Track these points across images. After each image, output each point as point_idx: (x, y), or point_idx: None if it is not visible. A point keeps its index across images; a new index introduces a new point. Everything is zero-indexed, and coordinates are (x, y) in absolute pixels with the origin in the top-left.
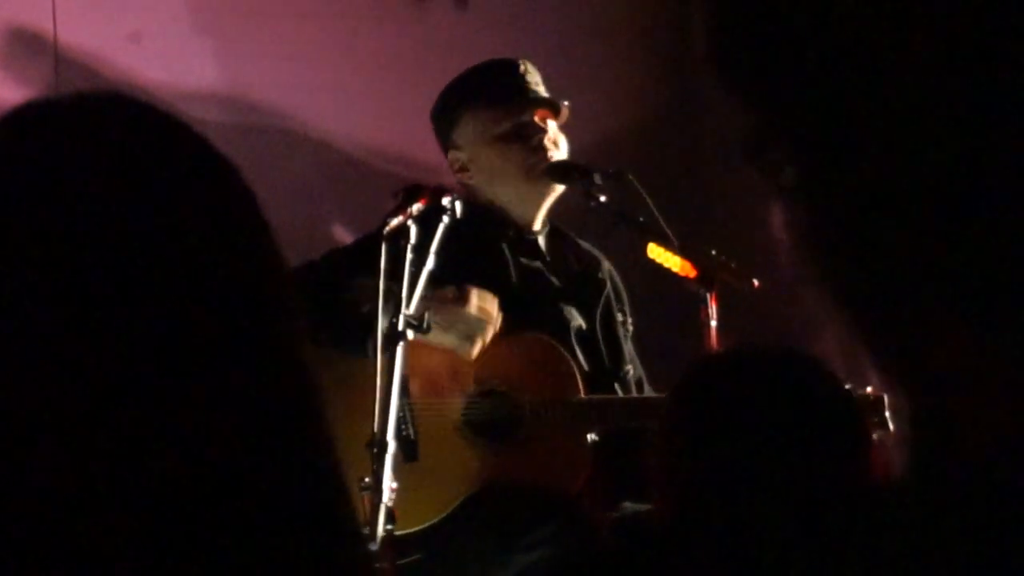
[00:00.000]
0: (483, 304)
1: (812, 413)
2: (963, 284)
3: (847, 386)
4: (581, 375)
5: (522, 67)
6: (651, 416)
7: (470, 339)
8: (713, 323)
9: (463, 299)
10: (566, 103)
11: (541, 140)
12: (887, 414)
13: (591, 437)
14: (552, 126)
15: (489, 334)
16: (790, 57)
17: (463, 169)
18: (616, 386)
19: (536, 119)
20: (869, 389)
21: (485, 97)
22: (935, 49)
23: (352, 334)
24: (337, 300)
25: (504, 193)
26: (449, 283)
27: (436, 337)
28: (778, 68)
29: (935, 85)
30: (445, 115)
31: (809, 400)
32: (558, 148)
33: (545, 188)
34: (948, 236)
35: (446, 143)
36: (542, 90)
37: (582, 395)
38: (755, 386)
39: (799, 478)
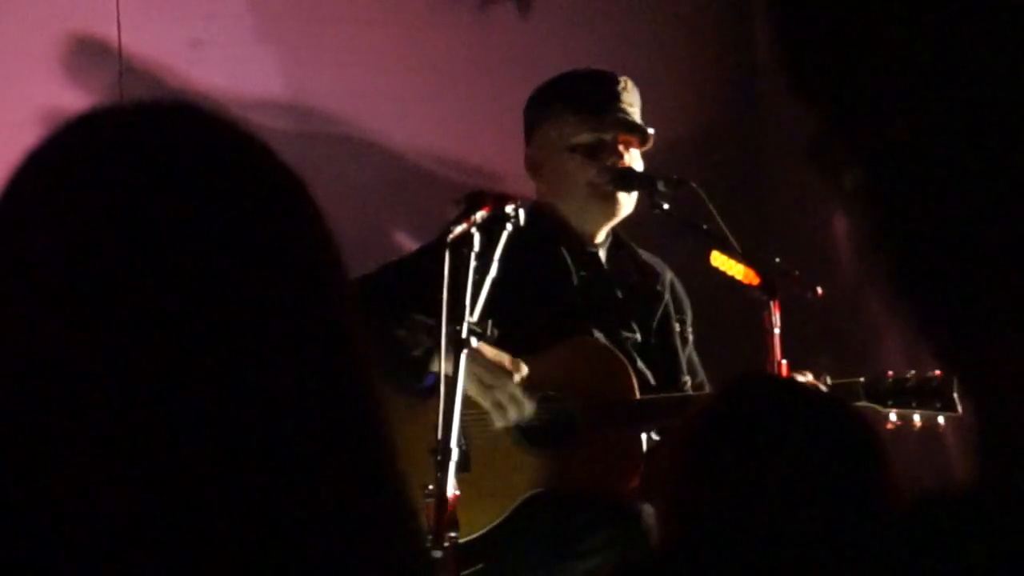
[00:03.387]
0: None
1: (830, 449)
2: None
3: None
4: (636, 377)
5: (621, 84)
6: None
7: (502, 410)
8: (776, 331)
9: (514, 371)
10: (652, 131)
11: (615, 163)
12: (955, 395)
13: (648, 436)
14: (633, 154)
15: (517, 415)
16: (854, 59)
17: (535, 168)
18: None
19: (618, 142)
20: (937, 372)
21: (574, 103)
22: (999, 51)
23: (403, 376)
24: (389, 341)
25: (567, 203)
26: (511, 291)
27: (476, 394)
28: (842, 70)
29: (1001, 87)
30: (533, 111)
31: (827, 436)
32: None
33: (607, 209)
34: (1018, 239)
35: (528, 138)
36: (634, 112)
37: (636, 395)
38: (773, 419)
39: (808, 511)
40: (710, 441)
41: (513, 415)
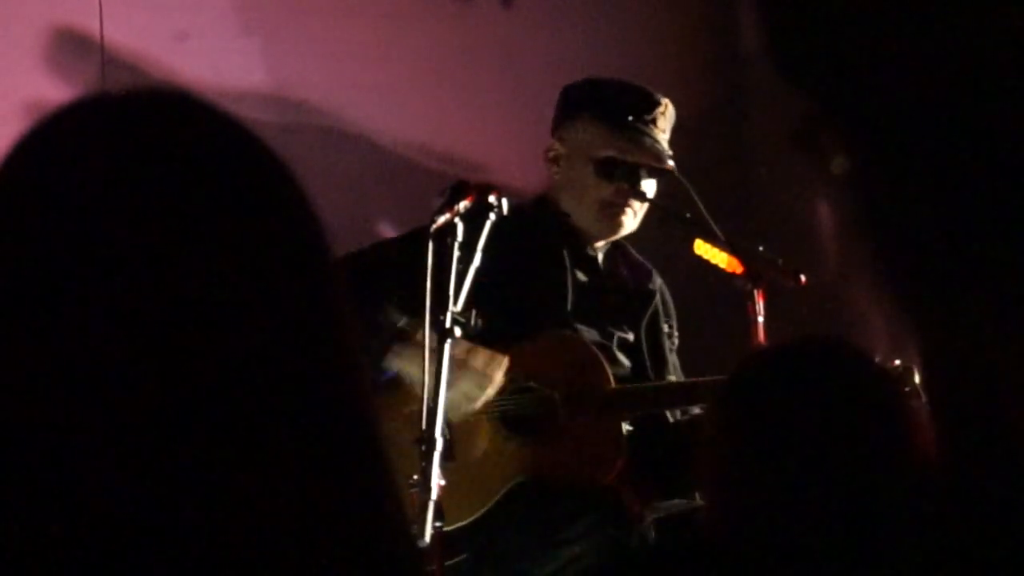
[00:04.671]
0: (488, 369)
1: (856, 406)
2: (1020, 276)
3: (888, 369)
4: (612, 371)
5: (660, 108)
6: (678, 401)
7: (469, 400)
8: (760, 319)
9: (471, 358)
10: (672, 163)
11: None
12: (916, 383)
13: (625, 427)
14: (649, 181)
15: (485, 399)
16: (841, 44)
17: (554, 161)
18: None
19: (638, 166)
20: (897, 362)
21: (608, 115)
22: (986, 38)
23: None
24: (369, 322)
25: (575, 209)
26: (506, 280)
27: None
28: (829, 56)
29: (989, 74)
30: (567, 105)
31: (853, 393)
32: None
33: (611, 229)
34: (1004, 225)
35: (555, 126)
36: (662, 139)
37: (611, 385)
38: (799, 382)
39: (846, 473)
40: (739, 419)
41: (476, 400)
